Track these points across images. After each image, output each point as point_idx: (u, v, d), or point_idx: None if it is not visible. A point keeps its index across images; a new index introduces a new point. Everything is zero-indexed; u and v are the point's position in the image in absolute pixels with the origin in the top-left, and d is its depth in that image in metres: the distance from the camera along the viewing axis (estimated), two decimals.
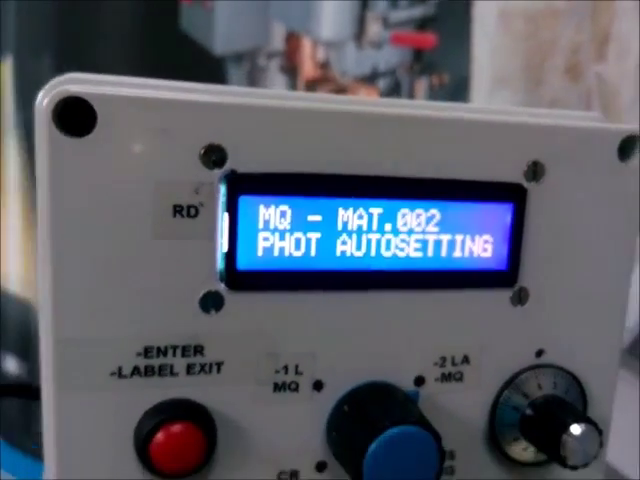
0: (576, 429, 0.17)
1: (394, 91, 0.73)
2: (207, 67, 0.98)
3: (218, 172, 0.16)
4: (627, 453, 0.45)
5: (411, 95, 0.71)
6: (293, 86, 0.85)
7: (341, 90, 0.79)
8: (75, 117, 0.15)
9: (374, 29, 0.74)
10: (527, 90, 0.49)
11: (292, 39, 0.88)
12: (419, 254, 0.18)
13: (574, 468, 0.18)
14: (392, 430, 0.16)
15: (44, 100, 0.16)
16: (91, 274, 0.16)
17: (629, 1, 0.43)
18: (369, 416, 0.17)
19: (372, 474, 0.16)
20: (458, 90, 0.64)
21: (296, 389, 0.18)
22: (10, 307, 1.21)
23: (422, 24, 0.70)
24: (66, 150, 0.16)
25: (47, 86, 0.17)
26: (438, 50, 0.67)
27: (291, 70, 0.87)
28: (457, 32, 0.63)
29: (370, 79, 0.75)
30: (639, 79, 0.44)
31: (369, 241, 0.17)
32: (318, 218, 0.17)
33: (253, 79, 0.88)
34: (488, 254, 0.18)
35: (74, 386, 0.16)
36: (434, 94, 0.69)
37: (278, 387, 0.18)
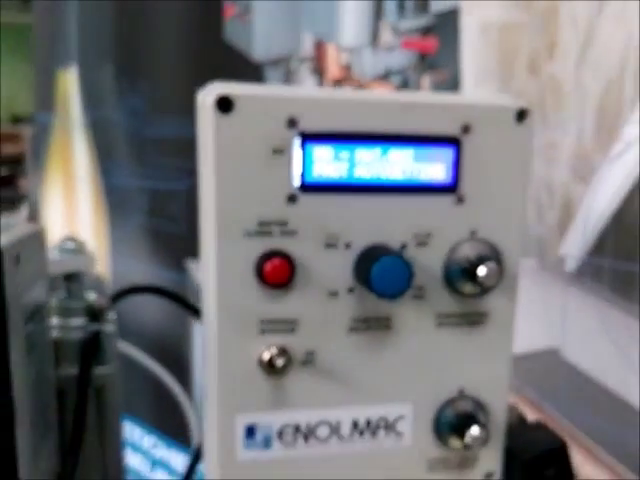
0: (482, 270, 0.32)
1: (404, 87, 0.86)
2: (248, 71, 1.12)
3: (294, 131, 0.31)
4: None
5: (417, 89, 0.83)
6: (321, 85, 0.98)
7: (361, 87, 0.92)
8: (223, 104, 0.30)
9: (386, 36, 0.86)
10: (501, 84, 0.63)
11: (319, 46, 1.02)
12: (410, 174, 0.32)
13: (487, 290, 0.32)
14: (385, 258, 0.30)
15: (206, 97, 0.30)
16: (237, 188, 0.31)
17: (568, 16, 0.56)
18: (373, 254, 0.31)
19: (376, 281, 0.30)
20: (454, 85, 0.77)
21: (334, 246, 0.32)
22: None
23: (426, 31, 0.82)
24: (220, 122, 0.30)
25: (205, 90, 0.31)
26: (438, 53, 0.80)
27: (319, 72, 1.01)
28: (453, 38, 0.76)
29: (384, 77, 0.88)
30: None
31: (374, 166, 0.32)
32: (347, 155, 0.31)
33: (288, 80, 1.02)
34: (442, 175, 0.33)
35: (229, 235, 0.31)
36: (437, 88, 0.82)
37: (329, 245, 0.32)
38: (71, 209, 1.46)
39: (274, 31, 1.07)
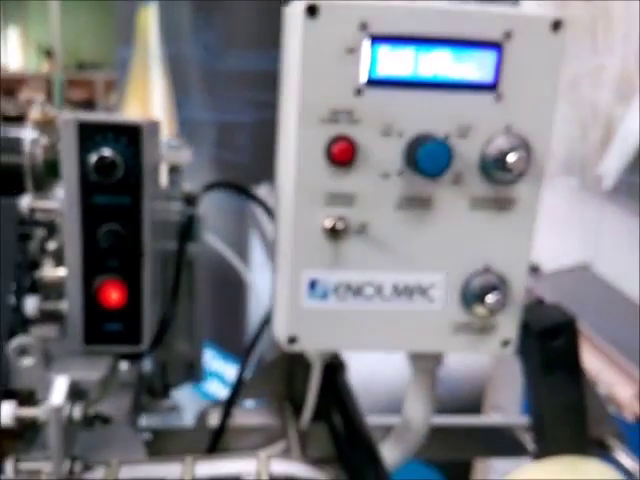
0: (511, 156, 0.37)
1: None
2: None
3: (365, 33, 0.36)
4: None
5: None
6: None
7: None
8: (311, 10, 0.36)
9: None
10: (556, 9, 0.66)
11: None
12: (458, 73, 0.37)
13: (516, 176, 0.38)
14: (430, 141, 0.36)
15: (296, 6, 0.36)
16: (316, 82, 0.37)
17: None
18: (420, 140, 0.37)
19: (422, 160, 0.36)
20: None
21: (389, 134, 0.38)
22: None
23: None
24: (307, 25, 0.36)
25: (293, 3, 0.37)
26: None
27: None
28: None
29: None
30: None
31: (429, 66, 0.37)
32: (406, 56, 0.37)
33: None
34: (485, 74, 0.38)
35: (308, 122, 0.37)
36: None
37: (385, 134, 0.38)
38: None
39: None
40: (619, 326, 0.58)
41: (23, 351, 0.37)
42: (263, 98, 1.27)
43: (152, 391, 0.56)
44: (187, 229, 0.51)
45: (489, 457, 0.63)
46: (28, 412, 0.36)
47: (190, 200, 0.52)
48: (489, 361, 0.89)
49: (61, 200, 0.39)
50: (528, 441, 0.54)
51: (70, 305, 0.39)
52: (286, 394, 0.54)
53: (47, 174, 0.41)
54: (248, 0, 1.27)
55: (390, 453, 0.48)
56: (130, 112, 1.57)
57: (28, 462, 0.37)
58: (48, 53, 4.67)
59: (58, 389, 0.36)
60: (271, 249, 0.45)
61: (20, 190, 0.40)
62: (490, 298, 0.40)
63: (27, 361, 0.37)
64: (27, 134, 0.39)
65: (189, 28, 1.36)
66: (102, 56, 4.62)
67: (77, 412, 0.36)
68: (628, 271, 0.62)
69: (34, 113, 0.39)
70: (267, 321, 0.54)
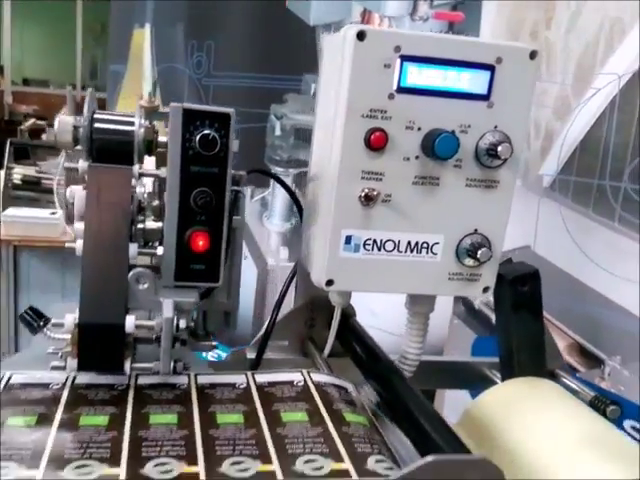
0: (501, 147, 0.47)
1: None
2: (305, 34, 1.25)
3: (398, 54, 0.46)
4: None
5: None
6: None
7: None
8: (360, 35, 0.45)
9: (423, 8, 0.99)
10: None
11: (366, 14, 1.14)
12: (461, 86, 0.47)
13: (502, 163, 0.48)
14: (444, 134, 0.46)
15: (348, 32, 0.45)
16: (360, 88, 0.46)
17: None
18: (435, 133, 0.47)
19: (438, 146, 0.46)
20: None
21: (411, 128, 0.48)
22: None
23: (455, 6, 0.95)
24: (357, 46, 0.45)
25: (345, 27, 0.46)
26: (464, 23, 0.93)
27: None
28: (476, 12, 0.90)
29: None
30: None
31: (441, 80, 0.47)
32: (426, 72, 0.47)
33: None
34: (481, 88, 0.48)
35: (352, 117, 0.46)
36: None
37: (408, 128, 0.47)
38: None
39: (329, 2, 1.20)
40: (555, 293, 0.67)
41: (139, 279, 0.44)
42: (247, 110, 1.35)
43: (195, 335, 0.63)
44: (234, 203, 0.59)
45: (457, 389, 0.73)
46: (147, 322, 0.43)
47: (235, 181, 0.60)
48: (445, 332, 1.00)
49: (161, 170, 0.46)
50: (493, 375, 0.64)
51: (166, 250, 0.47)
52: (307, 336, 0.62)
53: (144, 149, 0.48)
54: (240, 29, 1.35)
55: None
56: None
57: (142, 363, 0.44)
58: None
59: (167, 306, 0.44)
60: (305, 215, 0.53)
61: (128, 162, 0.47)
62: (480, 253, 0.50)
63: (142, 287, 0.44)
64: (137, 118, 0.46)
65: (181, 50, 1.43)
66: (46, 73, 4.68)
67: (182, 323, 0.44)
68: (561, 250, 0.73)
69: (143, 102, 0.46)
70: (294, 275, 0.62)
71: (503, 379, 0.57)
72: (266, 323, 0.60)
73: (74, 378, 0.46)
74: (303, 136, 1.13)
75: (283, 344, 0.62)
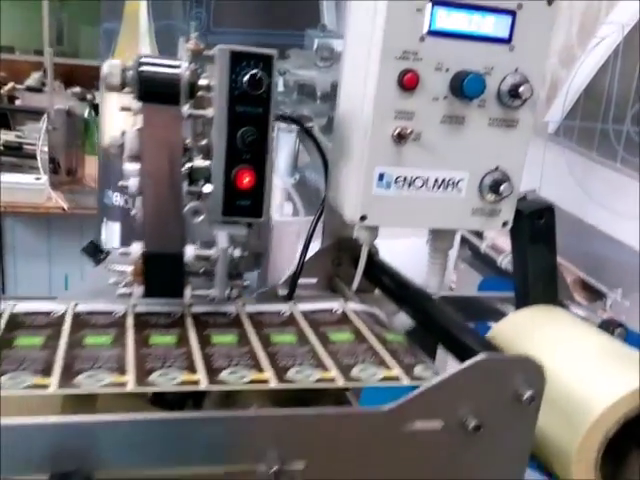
0: (523, 87, 0.51)
1: None
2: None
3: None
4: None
5: None
6: None
7: None
8: None
9: None
10: None
11: None
12: (486, 30, 0.51)
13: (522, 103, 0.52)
14: (471, 74, 0.50)
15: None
16: (394, 31, 0.49)
17: None
18: (462, 74, 0.51)
19: (467, 86, 0.50)
20: None
21: (440, 69, 0.51)
22: None
23: None
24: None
25: None
26: None
27: None
28: None
29: None
30: None
31: (469, 24, 0.51)
32: (455, 16, 0.50)
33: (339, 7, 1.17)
34: (503, 32, 0.52)
35: (387, 59, 0.50)
36: None
37: (437, 69, 0.51)
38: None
39: None
40: (559, 232, 0.69)
41: (195, 212, 0.48)
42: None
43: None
44: None
45: (471, 321, 0.78)
46: (205, 252, 0.47)
47: None
48: (452, 275, 1.05)
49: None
50: (505, 308, 0.70)
51: (214, 188, 0.50)
52: (334, 274, 0.67)
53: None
54: None
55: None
56: None
57: (201, 289, 0.48)
58: None
59: (222, 237, 0.48)
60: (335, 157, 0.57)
61: (174, 104, 0.50)
62: (503, 188, 0.55)
63: (198, 219, 0.48)
64: (184, 61, 0.49)
65: (179, 5, 1.43)
66: (11, 39, 4.60)
67: (237, 252, 0.48)
68: (565, 193, 0.78)
69: (189, 45, 0.49)
70: (320, 213, 0.66)
71: (517, 308, 0.63)
72: (295, 262, 0.65)
73: (134, 307, 0.49)
74: (306, 91, 1.15)
75: (311, 282, 0.66)
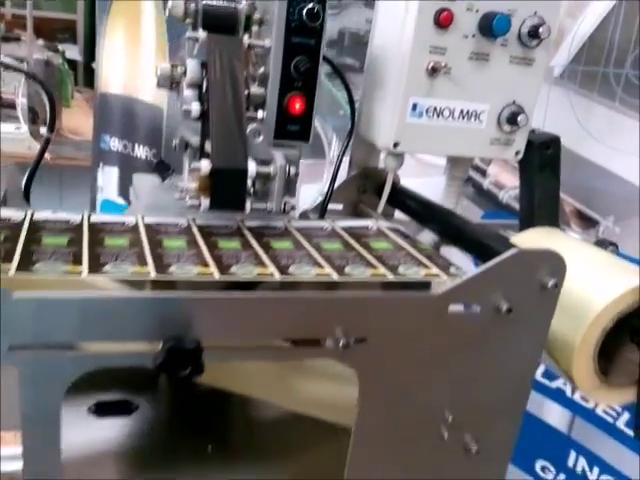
0: (542, 27, 0.59)
1: None
2: None
3: None
4: None
5: None
6: None
7: None
8: None
9: None
10: None
11: None
12: None
13: (539, 42, 0.59)
14: (498, 15, 0.57)
15: None
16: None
17: None
18: (491, 14, 0.58)
19: (496, 23, 0.57)
20: None
21: (471, 10, 0.58)
22: (144, 110, 1.56)
23: None
24: None
25: None
26: None
27: None
28: None
29: None
30: None
31: None
32: None
33: None
34: None
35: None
36: None
37: (468, 9, 0.58)
38: (134, 56, 1.57)
39: None
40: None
41: (256, 133, 0.54)
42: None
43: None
44: None
45: None
46: (265, 169, 0.54)
47: None
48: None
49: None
50: (507, 234, 0.78)
51: (268, 113, 0.57)
52: (359, 201, 0.74)
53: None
54: None
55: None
56: (115, 30, 1.61)
57: (258, 202, 0.55)
58: None
59: (279, 156, 0.54)
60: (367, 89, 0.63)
61: (234, 32, 0.56)
62: (520, 119, 0.62)
63: (258, 140, 0.54)
64: None
65: None
66: None
67: (292, 170, 0.54)
68: (567, 132, 0.86)
69: None
70: (345, 149, 0.73)
71: (522, 229, 0.71)
72: (325, 190, 0.72)
73: (193, 221, 0.56)
74: None
75: (337, 208, 0.73)
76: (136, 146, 1.55)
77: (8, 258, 0.44)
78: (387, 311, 0.46)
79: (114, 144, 1.58)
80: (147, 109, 1.49)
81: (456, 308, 0.47)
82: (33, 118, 2.68)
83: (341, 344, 0.45)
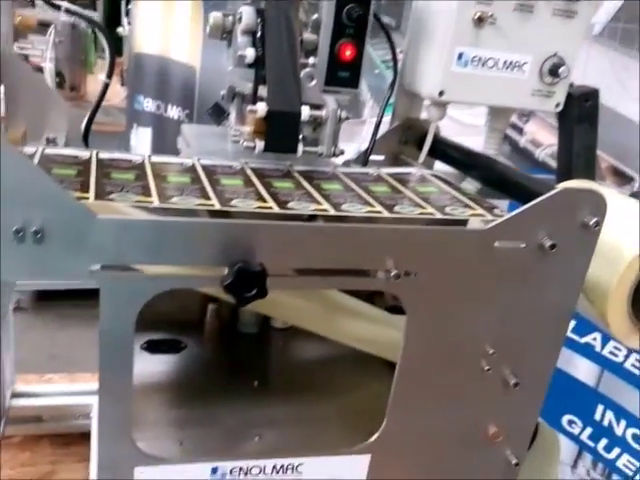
0: None
1: None
2: None
3: None
4: None
5: None
6: None
7: None
8: None
9: None
10: None
11: None
12: None
13: None
14: None
15: None
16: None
17: None
18: None
19: None
20: None
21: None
22: (177, 71, 1.58)
23: None
24: None
25: None
26: None
27: None
28: None
29: None
30: None
31: None
32: None
33: None
34: None
35: None
36: None
37: None
38: (168, 15, 1.58)
39: None
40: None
41: (308, 78, 0.57)
42: None
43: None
44: None
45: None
46: (317, 112, 0.57)
47: None
48: None
49: None
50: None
51: (319, 59, 0.59)
52: (400, 152, 0.77)
53: None
54: None
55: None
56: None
57: (309, 146, 0.58)
58: None
59: (331, 100, 0.57)
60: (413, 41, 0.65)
61: None
62: (561, 70, 0.64)
63: (311, 84, 0.57)
64: None
65: None
66: None
67: (343, 114, 0.58)
68: (605, 89, 0.88)
69: None
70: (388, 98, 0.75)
71: (559, 182, 0.74)
72: (368, 141, 0.74)
73: (246, 164, 0.59)
74: None
75: (379, 159, 0.76)
76: (169, 107, 1.58)
77: (84, 189, 0.47)
78: (436, 245, 0.49)
79: (147, 104, 1.61)
80: (181, 69, 1.52)
81: (503, 243, 0.50)
82: (60, 82, 2.71)
83: (392, 275, 0.48)
